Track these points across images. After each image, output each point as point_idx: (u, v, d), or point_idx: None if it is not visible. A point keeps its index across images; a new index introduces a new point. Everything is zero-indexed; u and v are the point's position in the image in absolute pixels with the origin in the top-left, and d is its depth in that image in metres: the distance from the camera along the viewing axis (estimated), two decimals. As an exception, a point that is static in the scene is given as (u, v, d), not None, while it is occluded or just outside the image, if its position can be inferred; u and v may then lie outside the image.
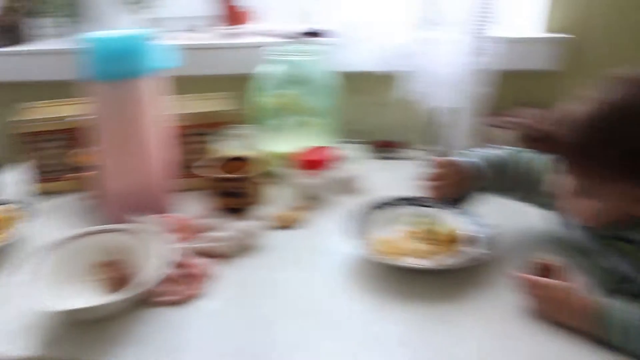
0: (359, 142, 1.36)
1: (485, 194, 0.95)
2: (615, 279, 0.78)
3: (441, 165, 0.92)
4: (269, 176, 1.17)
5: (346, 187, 1.14)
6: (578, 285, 0.74)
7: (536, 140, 1.19)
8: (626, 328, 0.67)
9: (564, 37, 1.26)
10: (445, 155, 0.93)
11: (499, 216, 0.95)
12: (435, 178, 0.92)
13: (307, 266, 0.90)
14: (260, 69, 1.19)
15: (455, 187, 0.92)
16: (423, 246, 0.90)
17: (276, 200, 1.11)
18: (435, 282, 0.83)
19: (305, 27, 1.38)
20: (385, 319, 0.77)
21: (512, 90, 1.35)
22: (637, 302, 0.70)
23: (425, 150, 1.32)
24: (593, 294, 0.73)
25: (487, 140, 1.24)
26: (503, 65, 1.26)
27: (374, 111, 1.41)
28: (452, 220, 0.95)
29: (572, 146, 0.74)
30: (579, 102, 0.74)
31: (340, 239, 0.92)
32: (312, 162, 1.10)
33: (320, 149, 1.14)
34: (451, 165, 0.92)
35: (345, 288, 0.84)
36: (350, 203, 1.03)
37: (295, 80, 1.17)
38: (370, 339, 0.73)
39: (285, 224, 1.01)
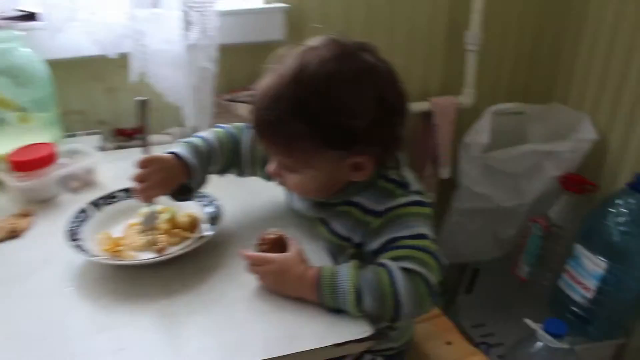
0: (90, 133, 1.26)
1: (204, 182, 0.90)
2: (339, 242, 0.83)
3: (143, 164, 0.81)
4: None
5: (77, 183, 1.04)
6: (300, 254, 0.76)
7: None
8: (333, 288, 0.71)
9: (281, 7, 1.30)
10: (148, 149, 0.84)
11: (229, 193, 0.95)
12: (140, 179, 0.81)
13: (30, 280, 0.80)
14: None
15: (163, 185, 0.83)
16: (158, 237, 0.86)
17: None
18: (170, 273, 0.80)
19: (6, 9, 1.21)
20: (119, 322, 0.72)
21: (245, 64, 1.37)
22: (350, 263, 0.74)
23: (167, 133, 1.27)
24: (307, 261, 0.76)
25: (226, 117, 1.24)
26: (230, 39, 1.26)
27: (104, 98, 1.31)
28: (185, 205, 0.92)
29: (260, 122, 0.75)
30: (267, 75, 0.75)
31: (66, 244, 0.83)
32: (29, 162, 0.98)
33: (38, 146, 1.02)
34: (153, 162, 0.82)
35: (73, 299, 0.77)
36: (81, 201, 0.94)
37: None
38: (105, 348, 0.68)
39: (4, 236, 0.88)
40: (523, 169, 1.51)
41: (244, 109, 1.23)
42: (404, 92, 0.77)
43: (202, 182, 0.89)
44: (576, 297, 1.40)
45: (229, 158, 0.91)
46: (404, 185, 0.80)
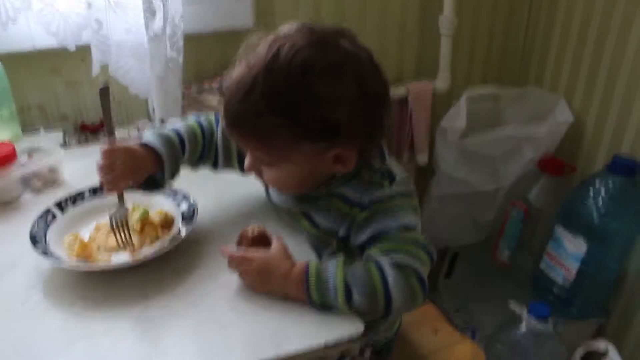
0: (51, 129, 1.18)
1: (176, 172, 0.84)
2: (322, 235, 0.79)
3: (107, 154, 0.76)
4: None
5: (39, 183, 0.98)
6: (284, 250, 0.72)
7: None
8: (321, 285, 0.68)
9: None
10: (112, 139, 0.78)
11: (203, 187, 0.90)
12: (105, 169, 0.76)
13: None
14: None
15: (131, 176, 0.78)
16: (131, 237, 0.80)
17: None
18: (145, 275, 0.75)
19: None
20: (93, 331, 0.67)
21: (213, 53, 1.31)
22: (334, 257, 0.71)
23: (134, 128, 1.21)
24: (291, 257, 0.72)
25: (196, 108, 1.19)
26: (197, 27, 1.20)
27: (65, 92, 1.24)
28: (158, 202, 0.87)
29: (232, 116, 0.70)
30: (237, 65, 0.69)
31: (29, 248, 0.77)
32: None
33: (-6, 145, 0.95)
34: (121, 150, 0.76)
35: (41, 308, 0.71)
36: (45, 201, 0.89)
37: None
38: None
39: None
40: (500, 153, 1.49)
41: (214, 100, 1.18)
42: (386, 80, 0.72)
43: (173, 173, 0.83)
44: (557, 279, 1.40)
45: (201, 149, 0.85)
46: (389, 176, 0.76)
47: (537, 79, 1.61)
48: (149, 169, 0.80)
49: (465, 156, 1.51)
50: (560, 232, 1.38)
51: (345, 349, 0.66)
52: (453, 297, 1.72)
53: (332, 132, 0.68)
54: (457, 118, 1.48)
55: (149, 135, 0.81)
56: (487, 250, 1.62)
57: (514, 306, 1.27)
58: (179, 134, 0.83)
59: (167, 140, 0.81)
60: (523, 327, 1.27)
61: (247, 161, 0.76)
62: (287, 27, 0.70)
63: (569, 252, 1.36)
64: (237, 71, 0.69)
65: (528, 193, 1.50)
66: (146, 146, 0.80)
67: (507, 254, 1.55)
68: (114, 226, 0.79)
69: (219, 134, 0.86)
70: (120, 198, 0.81)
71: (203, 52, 1.29)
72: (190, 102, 1.18)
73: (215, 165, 0.88)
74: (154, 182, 0.82)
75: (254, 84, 0.66)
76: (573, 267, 1.35)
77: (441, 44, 1.48)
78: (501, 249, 1.57)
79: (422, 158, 1.56)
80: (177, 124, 0.85)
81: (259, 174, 0.77)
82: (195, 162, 0.86)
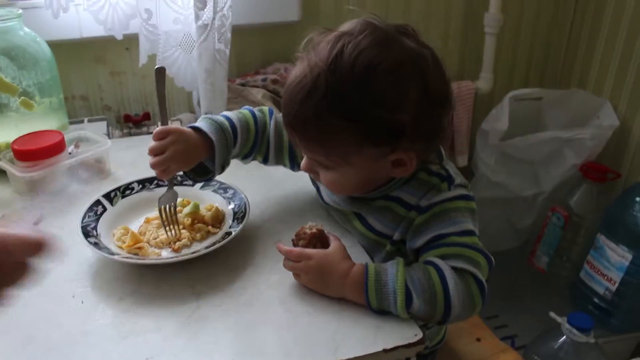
0: (94, 119, 1.18)
1: (226, 163, 0.83)
2: (375, 238, 0.77)
3: (160, 135, 0.75)
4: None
5: (87, 173, 0.97)
6: (342, 250, 0.70)
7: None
8: (380, 288, 0.66)
9: (297, -14, 1.23)
10: (165, 121, 0.78)
11: (252, 184, 0.89)
12: (156, 151, 0.75)
13: (42, 281, 0.73)
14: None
15: (181, 159, 0.76)
16: (178, 223, 0.80)
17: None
18: (195, 270, 0.74)
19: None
20: (144, 328, 0.65)
21: (258, 46, 1.30)
22: (396, 260, 0.69)
23: (176, 119, 1.20)
24: (357, 254, 0.71)
25: (239, 102, 1.18)
26: (243, 19, 1.19)
27: (109, 82, 1.24)
28: (209, 197, 0.86)
29: (292, 118, 0.67)
30: (298, 65, 0.67)
31: (77, 239, 0.77)
32: (35, 151, 0.90)
33: (44, 133, 0.95)
34: (174, 133, 0.75)
35: (91, 302, 0.70)
36: (93, 192, 0.88)
37: (0, 54, 0.94)
38: (130, 357, 0.61)
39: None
40: (542, 157, 1.46)
41: (258, 94, 1.17)
42: (449, 78, 0.69)
43: (223, 163, 0.81)
44: (599, 289, 1.36)
45: (253, 141, 0.83)
46: (448, 179, 0.74)
47: (581, 81, 1.57)
48: (200, 155, 0.78)
49: (505, 159, 1.48)
50: (603, 240, 1.34)
51: (402, 356, 0.64)
52: (487, 304, 1.68)
53: (395, 135, 0.66)
54: (499, 120, 1.45)
55: (201, 121, 0.80)
56: (523, 257, 1.59)
57: (554, 316, 1.24)
58: (231, 123, 0.81)
59: (219, 127, 0.79)
60: (563, 338, 1.25)
61: (303, 162, 0.75)
62: (349, 24, 0.68)
63: (612, 261, 1.32)
64: (297, 70, 0.67)
65: (569, 199, 1.46)
66: (198, 131, 0.78)
67: (545, 261, 1.51)
68: (162, 211, 0.78)
69: (271, 128, 0.84)
70: (170, 182, 0.80)
71: (246, 46, 1.28)
72: (233, 96, 1.17)
73: (265, 159, 0.86)
74: (203, 171, 0.81)
75: (315, 85, 0.64)
76: (616, 277, 1.32)
77: (485, 42, 1.45)
78: (539, 256, 1.53)
79: (462, 160, 1.53)
80: (230, 113, 0.84)
81: (317, 176, 0.75)
82: (247, 154, 0.85)
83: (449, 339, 1.01)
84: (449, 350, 1.00)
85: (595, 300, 1.37)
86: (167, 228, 0.78)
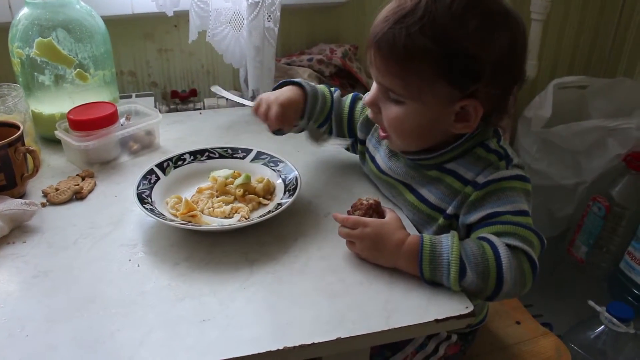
0: (147, 95, 1.20)
1: (312, 116, 0.89)
2: (428, 211, 0.78)
3: (258, 105, 0.85)
4: (41, 143, 1.00)
5: (136, 145, 0.99)
6: (398, 221, 0.71)
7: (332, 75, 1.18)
8: (434, 259, 0.66)
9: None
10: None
11: (299, 159, 0.91)
12: (265, 111, 0.83)
13: (100, 244, 0.76)
14: (13, 15, 0.97)
15: (289, 104, 0.84)
16: (231, 201, 0.82)
17: (52, 170, 0.94)
18: (247, 239, 0.76)
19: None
20: (199, 292, 0.67)
21: (303, 26, 1.31)
22: (451, 233, 0.69)
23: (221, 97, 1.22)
24: (406, 229, 0.71)
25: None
26: (290, 0, 1.20)
27: (156, 59, 1.26)
28: (260, 170, 0.88)
29: (382, 36, 0.69)
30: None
31: (130, 207, 0.79)
32: (90, 121, 0.93)
33: (98, 104, 0.97)
34: (265, 99, 0.85)
35: (147, 265, 0.72)
36: (142, 164, 0.90)
37: (58, 26, 0.96)
38: (187, 318, 0.63)
39: (64, 197, 0.84)
40: (585, 146, 1.43)
41: (304, 73, 1.17)
42: (527, 54, 0.72)
43: (310, 115, 0.88)
44: (639, 280, 1.34)
45: (328, 111, 0.91)
46: (506, 158, 0.74)
47: (628, 69, 1.54)
48: (300, 102, 0.87)
49: (547, 147, 1.46)
50: (646, 232, 1.32)
51: (453, 327, 0.65)
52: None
53: (471, 76, 0.67)
54: (542, 107, 1.43)
55: (283, 82, 0.90)
56: (561, 246, 1.57)
57: (593, 304, 1.23)
58: (313, 87, 0.89)
59: (309, 85, 0.88)
60: (601, 327, 1.23)
61: (369, 94, 0.76)
62: None
63: (655, 253, 1.30)
64: (395, 2, 0.70)
65: (611, 189, 1.44)
66: (291, 83, 0.88)
67: (584, 251, 1.50)
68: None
69: (335, 105, 0.91)
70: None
71: (292, 26, 1.28)
72: (280, 75, 1.18)
73: (330, 132, 0.91)
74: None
75: (415, 8, 0.67)
76: (659, 269, 1.30)
77: (531, 28, 1.43)
78: (577, 246, 1.52)
79: (502, 146, 1.51)
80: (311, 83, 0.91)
81: (377, 112, 0.76)
82: (322, 123, 0.91)
83: (489, 321, 1.01)
84: (489, 331, 1.00)
85: (635, 291, 1.36)
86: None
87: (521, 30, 0.70)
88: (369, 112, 0.81)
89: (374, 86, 0.76)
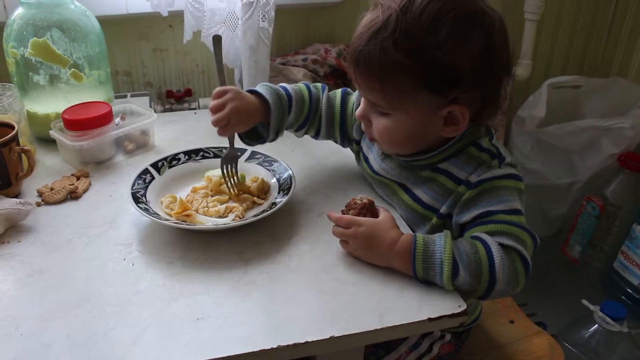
0: (142, 94, 1.20)
1: (280, 129, 0.86)
2: (421, 211, 0.78)
3: (221, 93, 0.78)
4: (36, 142, 1.00)
5: (131, 145, 1.00)
6: (392, 220, 0.72)
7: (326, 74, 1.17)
8: (427, 258, 0.67)
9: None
10: (223, 81, 0.81)
11: (294, 159, 0.91)
12: (217, 108, 0.78)
13: (95, 243, 0.76)
14: (8, 15, 0.97)
15: (241, 118, 0.79)
16: (226, 200, 0.82)
17: (47, 170, 0.94)
18: (241, 238, 0.76)
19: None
20: (193, 290, 0.67)
21: (298, 27, 1.31)
22: (444, 232, 0.69)
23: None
24: (400, 228, 0.71)
25: (280, 81, 1.19)
26: (285, 0, 1.20)
27: (151, 58, 1.26)
28: (254, 170, 0.88)
29: (359, 53, 0.69)
30: (370, 10, 0.70)
31: (124, 206, 0.79)
32: (85, 121, 0.93)
33: (93, 104, 0.97)
34: (232, 91, 0.79)
35: (141, 264, 0.72)
36: (137, 163, 0.91)
37: (52, 26, 0.96)
38: (182, 317, 0.63)
39: (59, 197, 0.84)
40: (579, 146, 1.44)
41: (299, 73, 1.18)
42: (510, 46, 0.71)
43: (278, 128, 0.84)
44: (633, 280, 1.35)
45: (307, 113, 0.87)
46: (499, 157, 0.75)
47: (622, 69, 1.55)
48: (257, 116, 0.82)
49: (541, 147, 1.47)
50: (639, 231, 1.33)
51: (446, 326, 0.65)
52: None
53: (450, 83, 0.67)
54: (536, 107, 1.44)
55: (258, 87, 0.84)
56: (555, 245, 1.58)
57: (587, 303, 1.23)
58: (287, 92, 0.85)
59: (275, 93, 0.83)
60: (595, 326, 1.24)
61: (359, 109, 0.77)
62: None
63: (648, 252, 1.31)
64: (370, 14, 0.70)
65: (605, 189, 1.44)
66: (255, 94, 0.82)
67: (578, 251, 1.50)
68: (224, 170, 0.82)
69: (324, 103, 0.87)
70: (231, 142, 0.84)
71: (287, 26, 1.29)
72: (274, 74, 1.18)
73: (317, 133, 0.90)
74: (255, 135, 0.85)
75: (386, 24, 0.67)
76: (652, 268, 1.31)
77: (525, 28, 1.44)
78: (571, 245, 1.52)
79: (497, 146, 1.52)
80: (285, 84, 0.87)
81: (369, 124, 0.76)
82: (301, 126, 0.88)
83: (483, 320, 1.01)
84: (483, 330, 1.00)
85: (629, 290, 1.36)
86: (230, 184, 0.83)
87: (498, 28, 0.69)
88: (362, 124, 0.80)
89: (363, 100, 0.76)
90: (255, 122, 0.83)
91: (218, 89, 0.79)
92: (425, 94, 0.68)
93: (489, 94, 0.71)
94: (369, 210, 0.72)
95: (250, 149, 0.89)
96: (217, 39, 0.81)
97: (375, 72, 0.69)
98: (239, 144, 0.87)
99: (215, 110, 0.78)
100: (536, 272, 1.71)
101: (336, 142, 0.91)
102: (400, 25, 0.66)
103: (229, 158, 0.84)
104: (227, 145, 0.85)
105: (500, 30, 0.70)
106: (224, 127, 0.78)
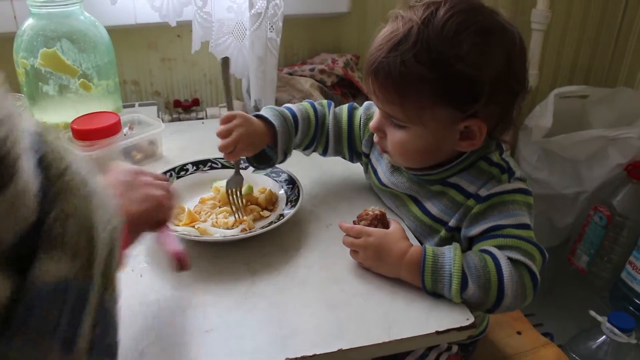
0: (150, 104, 1.21)
1: (288, 151, 0.86)
2: (431, 223, 0.78)
3: (228, 119, 0.79)
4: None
5: (139, 155, 1.00)
6: (402, 231, 0.72)
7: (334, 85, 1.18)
8: (436, 270, 0.67)
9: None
10: (231, 107, 0.82)
11: (302, 171, 0.91)
12: (224, 134, 0.78)
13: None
14: (18, 25, 0.98)
15: (248, 143, 0.80)
16: (244, 205, 0.82)
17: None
18: (249, 249, 0.76)
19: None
20: (203, 302, 0.67)
21: (306, 37, 1.31)
22: (453, 245, 0.70)
23: (223, 106, 1.23)
24: (410, 240, 0.72)
25: (287, 91, 1.19)
26: (294, 9, 1.21)
27: (159, 68, 1.27)
28: (262, 181, 0.88)
29: (378, 65, 0.69)
30: (390, 22, 0.70)
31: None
32: (94, 131, 0.93)
33: (102, 114, 0.98)
34: (240, 117, 0.79)
35: (150, 276, 0.72)
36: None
37: (62, 37, 0.97)
38: (193, 328, 0.63)
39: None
40: (586, 156, 1.44)
41: (306, 83, 1.18)
42: (527, 64, 0.72)
43: (286, 150, 0.85)
44: (640, 290, 1.34)
45: (314, 132, 0.87)
46: (509, 171, 0.75)
47: (629, 79, 1.54)
48: (263, 140, 0.82)
49: (548, 157, 1.47)
50: (648, 241, 1.32)
51: (453, 339, 0.65)
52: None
53: (470, 97, 0.67)
54: (543, 117, 1.44)
55: (264, 110, 0.84)
56: (562, 256, 1.57)
57: (594, 314, 1.23)
58: (292, 112, 0.85)
59: (281, 115, 0.83)
60: (602, 337, 1.23)
61: (374, 121, 0.76)
62: None
63: (656, 263, 1.30)
64: (389, 26, 0.70)
65: (612, 199, 1.44)
66: (261, 118, 0.82)
67: (585, 261, 1.50)
68: (229, 193, 0.81)
69: (330, 119, 0.87)
70: (237, 166, 0.84)
71: (294, 36, 1.29)
72: (281, 85, 1.19)
73: (325, 150, 0.90)
74: (264, 158, 0.84)
75: (407, 36, 0.67)
76: (660, 279, 1.30)
77: (532, 38, 1.44)
78: (578, 255, 1.52)
79: (503, 156, 1.52)
80: (290, 105, 0.87)
81: (382, 136, 0.76)
82: (308, 145, 0.88)
83: (490, 331, 1.01)
84: (490, 342, 1.00)
85: (637, 301, 1.36)
86: (234, 209, 0.81)
87: (517, 44, 0.70)
88: (375, 136, 0.80)
89: (377, 111, 0.76)
90: (262, 147, 0.83)
91: (226, 114, 0.79)
92: (444, 108, 0.68)
93: (506, 109, 0.71)
94: (380, 221, 0.72)
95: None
96: (225, 61, 0.82)
97: (394, 84, 0.69)
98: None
99: (222, 136, 0.78)
100: (543, 282, 1.70)
101: (344, 157, 0.91)
102: (421, 38, 0.66)
103: (234, 183, 0.83)
104: None
105: (519, 45, 0.70)
106: (230, 152, 0.79)
